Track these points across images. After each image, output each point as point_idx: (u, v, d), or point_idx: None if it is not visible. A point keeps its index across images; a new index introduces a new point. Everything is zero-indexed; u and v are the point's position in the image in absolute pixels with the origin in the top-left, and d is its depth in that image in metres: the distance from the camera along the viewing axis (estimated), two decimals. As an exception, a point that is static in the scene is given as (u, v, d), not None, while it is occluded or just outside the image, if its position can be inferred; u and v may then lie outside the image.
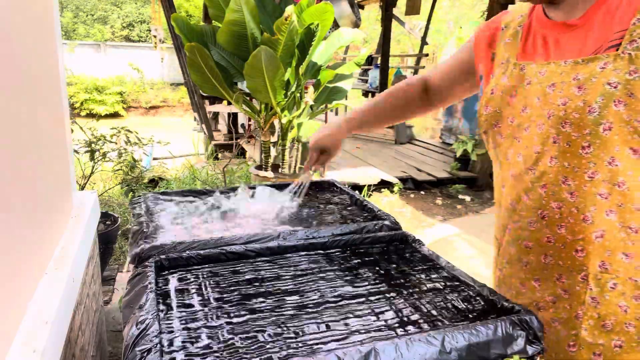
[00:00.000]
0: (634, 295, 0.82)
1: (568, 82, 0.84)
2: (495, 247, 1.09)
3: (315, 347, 0.76)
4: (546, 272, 0.92)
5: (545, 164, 0.87)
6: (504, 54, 0.99)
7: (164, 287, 0.95)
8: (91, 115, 14.30)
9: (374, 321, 0.84)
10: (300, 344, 0.76)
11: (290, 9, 2.97)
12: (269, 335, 0.79)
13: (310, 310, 0.87)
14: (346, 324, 0.83)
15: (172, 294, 0.93)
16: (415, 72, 9.72)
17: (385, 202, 5.04)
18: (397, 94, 1.29)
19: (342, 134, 1.34)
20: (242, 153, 6.87)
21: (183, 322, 0.82)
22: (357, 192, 1.52)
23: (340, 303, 0.90)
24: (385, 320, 0.84)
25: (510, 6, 4.88)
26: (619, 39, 0.79)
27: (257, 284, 0.97)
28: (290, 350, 0.74)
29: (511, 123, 0.95)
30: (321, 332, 0.80)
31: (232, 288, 0.95)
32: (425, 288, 0.98)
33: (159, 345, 0.71)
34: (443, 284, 0.99)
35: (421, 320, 0.85)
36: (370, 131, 1.60)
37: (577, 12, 0.87)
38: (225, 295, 0.92)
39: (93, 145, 3.18)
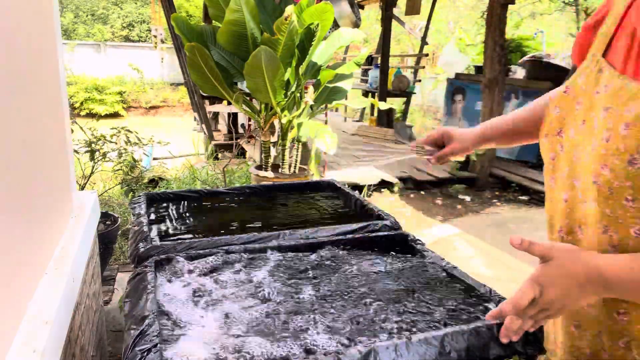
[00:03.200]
0: None
1: (621, 113, 0.65)
2: None
3: (314, 347, 0.76)
4: (586, 321, 0.78)
5: (589, 203, 0.72)
6: (596, 44, 0.77)
7: (163, 287, 0.95)
8: (91, 115, 14.30)
9: (374, 321, 0.84)
10: (300, 344, 0.76)
11: (290, 9, 2.97)
12: (269, 335, 0.79)
13: (310, 310, 0.87)
14: (346, 324, 0.83)
15: (172, 293, 0.93)
16: (416, 72, 9.71)
17: (385, 202, 5.05)
18: (535, 113, 0.98)
19: (473, 133, 1.06)
20: (242, 153, 6.88)
21: (183, 322, 0.82)
22: (357, 192, 1.52)
23: (340, 303, 0.90)
24: (385, 321, 0.84)
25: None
26: None
27: (257, 283, 0.97)
28: (291, 350, 0.74)
29: (572, 137, 0.77)
30: (320, 332, 0.80)
31: (232, 288, 0.95)
32: (425, 288, 0.98)
33: (159, 345, 0.71)
34: (443, 284, 0.99)
35: (421, 321, 0.85)
36: (501, 146, 1.26)
37: None
38: (225, 295, 0.92)
39: (93, 145, 3.18)
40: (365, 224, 1.23)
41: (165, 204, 1.49)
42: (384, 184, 5.41)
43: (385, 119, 8.33)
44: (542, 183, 0.85)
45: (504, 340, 0.69)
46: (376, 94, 8.16)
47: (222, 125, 8.36)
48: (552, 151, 0.82)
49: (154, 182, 4.62)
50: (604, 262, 0.66)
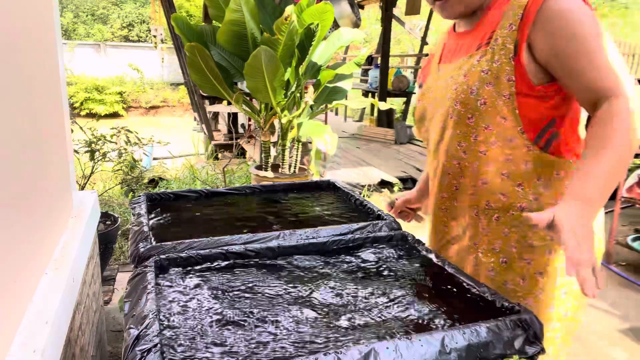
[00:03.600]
0: (513, 224, 1.09)
1: (459, 73, 1.11)
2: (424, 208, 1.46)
3: (314, 347, 0.76)
4: (455, 211, 1.20)
5: (447, 134, 1.15)
6: (433, 66, 1.28)
7: (164, 287, 0.95)
8: (91, 115, 14.31)
9: (373, 321, 0.84)
10: (299, 344, 0.76)
11: (290, 9, 2.97)
12: (269, 335, 0.79)
13: (309, 310, 0.87)
14: (345, 324, 0.83)
15: (172, 294, 0.93)
16: (416, 72, 9.71)
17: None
18: None
19: (417, 191, 1.49)
20: (242, 153, 6.87)
21: (183, 322, 0.82)
22: (357, 192, 1.52)
23: (339, 303, 0.90)
24: (385, 321, 0.84)
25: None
26: (489, 38, 1.06)
27: (257, 284, 0.97)
28: (290, 350, 0.74)
29: (432, 110, 1.21)
30: (320, 332, 0.80)
31: (232, 288, 0.96)
32: (424, 288, 0.98)
33: (159, 345, 0.71)
34: (442, 283, 0.99)
35: (421, 321, 0.85)
36: None
37: (472, 24, 1.15)
38: (225, 295, 0.92)
39: (93, 145, 3.18)
40: (365, 224, 1.23)
41: (165, 204, 1.49)
42: (384, 184, 5.41)
43: (385, 119, 8.32)
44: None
45: (594, 294, 0.79)
46: (376, 94, 8.15)
47: (222, 125, 8.37)
48: (423, 128, 1.28)
49: (154, 182, 4.62)
50: (572, 189, 0.92)
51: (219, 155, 7.10)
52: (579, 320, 1.16)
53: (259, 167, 3.75)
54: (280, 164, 3.70)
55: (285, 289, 0.96)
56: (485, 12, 1.12)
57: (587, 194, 0.89)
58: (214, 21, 3.64)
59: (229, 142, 7.19)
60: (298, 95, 3.60)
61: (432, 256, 1.10)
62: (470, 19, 1.15)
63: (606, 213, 4.57)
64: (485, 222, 1.13)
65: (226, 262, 1.06)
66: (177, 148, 7.22)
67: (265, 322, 0.83)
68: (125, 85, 16.13)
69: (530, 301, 1.11)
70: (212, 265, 1.05)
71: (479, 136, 1.09)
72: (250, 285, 0.97)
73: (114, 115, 15.25)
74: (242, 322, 0.83)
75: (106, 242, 2.70)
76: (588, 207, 0.88)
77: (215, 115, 8.49)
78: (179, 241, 1.10)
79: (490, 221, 1.12)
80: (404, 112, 9.67)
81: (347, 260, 1.10)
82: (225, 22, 3.13)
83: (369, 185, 5.24)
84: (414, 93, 9.35)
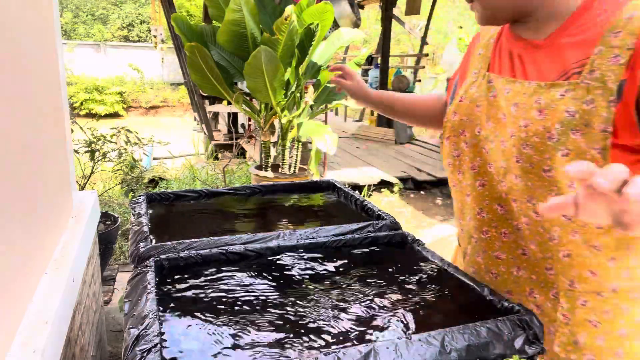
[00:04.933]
0: (604, 310, 0.86)
1: (530, 104, 0.84)
2: (460, 255, 1.10)
3: (314, 347, 0.76)
4: (517, 286, 0.95)
5: (511, 180, 0.89)
6: (476, 64, 1.00)
7: (164, 287, 0.95)
8: (91, 115, 14.31)
9: (374, 321, 0.84)
10: (299, 344, 0.76)
11: (290, 9, 2.97)
12: (269, 335, 0.79)
13: (309, 310, 0.87)
14: (345, 324, 0.83)
15: (172, 294, 0.93)
16: (416, 72, 9.71)
17: (385, 202, 5.04)
18: (425, 100, 1.30)
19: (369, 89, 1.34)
20: (242, 153, 6.88)
21: (183, 322, 0.82)
22: (357, 192, 1.52)
23: (340, 303, 0.90)
24: (385, 321, 0.84)
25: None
26: (580, 67, 0.80)
27: (256, 283, 0.97)
28: (291, 350, 0.74)
29: (478, 134, 0.95)
30: (320, 332, 0.80)
31: (233, 288, 0.96)
32: (424, 288, 0.98)
33: (159, 345, 0.71)
34: (443, 283, 0.99)
35: (421, 321, 0.85)
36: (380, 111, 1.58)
37: (541, 34, 0.86)
38: (225, 295, 0.92)
39: (93, 145, 3.18)
40: (365, 224, 1.23)
41: (165, 204, 1.49)
42: (384, 184, 5.41)
43: (385, 119, 8.33)
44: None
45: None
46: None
47: (222, 125, 8.37)
48: (457, 149, 1.00)
49: (154, 182, 4.62)
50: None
51: (219, 155, 7.10)
52: None
53: (259, 167, 3.75)
54: (280, 164, 3.70)
55: (284, 289, 0.96)
56: (564, 23, 0.83)
57: None
58: (214, 21, 3.64)
59: (229, 142, 7.19)
60: (298, 95, 3.60)
61: (431, 256, 1.10)
62: (530, 25, 0.88)
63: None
64: (567, 307, 0.88)
65: (226, 262, 1.06)
66: (177, 148, 7.23)
67: (265, 322, 0.83)
68: (125, 85, 16.13)
69: None
70: (212, 265, 1.05)
71: (560, 194, 0.82)
72: (250, 285, 0.97)
73: (114, 115, 15.25)
74: (243, 322, 0.83)
75: (106, 242, 2.70)
76: None
77: (215, 115, 8.49)
78: (179, 241, 1.10)
79: (574, 306, 0.88)
80: (404, 112, 9.66)
81: (347, 260, 1.10)
82: (225, 22, 3.13)
83: (369, 185, 5.24)
84: (414, 93, 9.36)
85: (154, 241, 1.12)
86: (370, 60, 9.95)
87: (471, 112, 0.96)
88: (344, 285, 0.98)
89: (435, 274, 1.04)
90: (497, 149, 0.91)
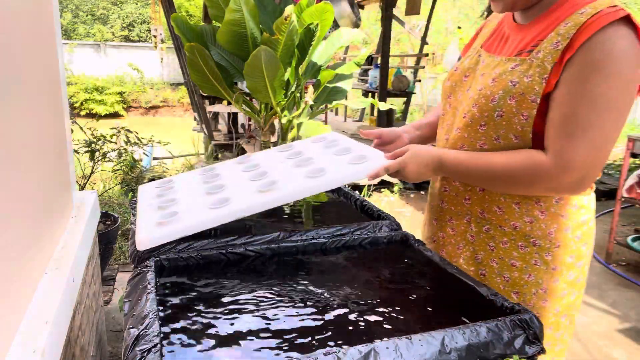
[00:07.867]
0: (502, 241, 1.08)
1: (489, 74, 1.03)
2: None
3: (314, 347, 0.76)
4: (442, 215, 1.21)
5: (454, 133, 1.12)
6: (478, 42, 1.18)
7: (164, 287, 0.95)
8: (91, 115, 14.31)
9: (374, 321, 0.84)
10: (300, 344, 0.76)
11: (290, 9, 2.97)
12: (269, 335, 0.79)
13: (310, 309, 0.87)
14: (345, 324, 0.83)
15: (172, 293, 0.93)
16: (416, 72, 9.71)
17: (385, 202, 5.04)
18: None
19: (410, 128, 1.38)
20: (242, 153, 6.87)
21: (183, 322, 0.82)
22: (357, 192, 1.52)
23: (339, 303, 0.90)
24: (385, 320, 0.84)
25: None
26: (532, 47, 0.96)
27: (256, 283, 0.97)
28: (291, 350, 0.74)
29: (459, 98, 1.15)
30: (320, 332, 0.80)
31: (233, 288, 0.95)
32: (425, 288, 0.98)
33: (159, 345, 0.71)
34: (443, 283, 0.99)
35: (421, 320, 0.85)
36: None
37: (529, 18, 1.02)
38: (225, 295, 0.92)
39: (93, 145, 3.18)
40: (365, 224, 1.23)
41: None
42: (384, 184, 5.41)
43: (385, 119, 8.31)
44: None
45: (371, 178, 1.11)
46: (376, 94, 8.15)
47: (222, 125, 8.36)
48: (442, 110, 1.22)
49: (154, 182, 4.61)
50: (445, 153, 1.06)
51: (219, 155, 7.09)
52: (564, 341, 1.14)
53: (259, 167, 3.74)
54: (280, 164, 3.69)
55: (284, 289, 0.96)
56: (546, 11, 0.99)
57: (447, 164, 1.04)
58: (214, 21, 3.64)
59: (229, 142, 7.18)
60: (298, 95, 3.60)
61: (432, 256, 1.10)
62: (529, 12, 1.02)
63: (606, 213, 4.59)
64: (475, 230, 1.12)
65: (226, 262, 1.06)
66: (177, 148, 7.22)
67: (265, 322, 0.83)
68: (125, 85, 16.12)
69: None
70: (212, 265, 1.05)
71: (485, 145, 1.04)
72: (250, 284, 0.97)
73: (114, 115, 15.24)
74: (243, 322, 0.83)
75: (106, 242, 2.70)
76: (436, 168, 1.05)
77: (215, 115, 8.48)
78: (179, 241, 1.09)
79: (480, 231, 1.11)
80: (404, 112, 9.66)
81: (347, 260, 1.10)
82: (225, 22, 3.13)
83: (369, 185, 5.24)
84: (414, 93, 9.35)
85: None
86: (370, 60, 9.94)
87: (459, 80, 1.16)
88: (344, 286, 0.98)
89: (435, 273, 1.04)
90: (462, 110, 1.11)
